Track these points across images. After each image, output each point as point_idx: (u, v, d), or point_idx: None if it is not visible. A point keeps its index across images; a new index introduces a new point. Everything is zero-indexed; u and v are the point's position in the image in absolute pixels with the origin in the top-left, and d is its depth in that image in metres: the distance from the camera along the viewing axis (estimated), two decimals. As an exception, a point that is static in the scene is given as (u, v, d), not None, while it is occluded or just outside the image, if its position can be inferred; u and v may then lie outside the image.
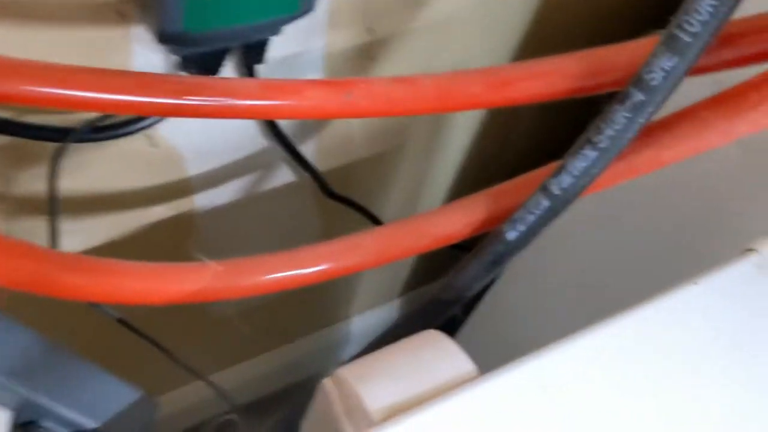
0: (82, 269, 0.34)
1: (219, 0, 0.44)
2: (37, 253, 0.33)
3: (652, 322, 0.34)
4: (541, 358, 0.33)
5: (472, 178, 0.90)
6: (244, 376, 1.00)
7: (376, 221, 0.79)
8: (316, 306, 0.99)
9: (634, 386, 0.33)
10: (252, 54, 0.53)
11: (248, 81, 0.37)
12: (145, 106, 0.35)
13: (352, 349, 1.12)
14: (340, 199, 0.74)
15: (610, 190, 0.36)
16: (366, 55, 0.63)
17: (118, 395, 0.37)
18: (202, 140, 0.62)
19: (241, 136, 0.65)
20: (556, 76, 0.35)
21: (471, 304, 0.82)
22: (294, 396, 1.06)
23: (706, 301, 0.35)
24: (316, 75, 0.61)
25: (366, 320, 1.08)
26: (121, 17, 0.47)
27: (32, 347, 0.36)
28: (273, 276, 0.38)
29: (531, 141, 0.90)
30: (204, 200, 0.68)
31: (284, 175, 0.71)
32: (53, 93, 0.32)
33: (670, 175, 0.36)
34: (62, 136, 0.49)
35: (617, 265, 0.64)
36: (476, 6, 0.67)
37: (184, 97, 0.35)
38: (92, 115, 0.51)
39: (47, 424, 0.35)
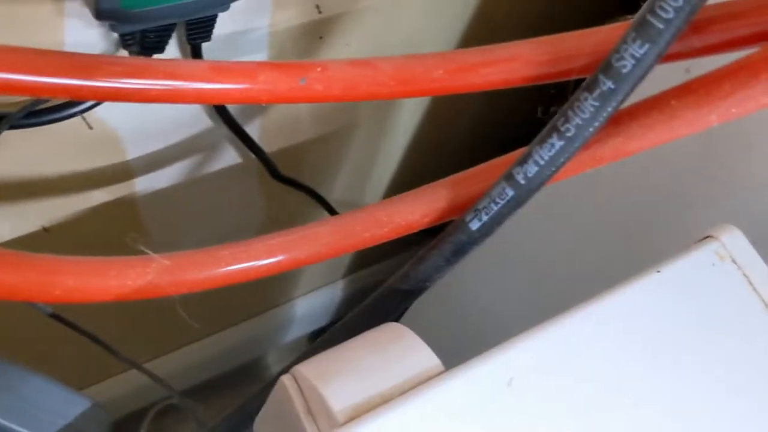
0: (8, 265, 0.31)
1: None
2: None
3: (617, 311, 0.34)
4: (508, 351, 0.32)
5: (422, 160, 0.88)
6: (188, 360, 0.97)
7: (324, 203, 0.78)
8: (260, 289, 0.97)
9: (601, 376, 0.33)
10: (199, 31, 0.50)
11: (196, 63, 0.35)
12: (82, 90, 0.32)
13: (297, 330, 1.10)
14: (288, 181, 0.72)
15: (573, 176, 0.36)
16: (314, 34, 0.61)
17: (64, 406, 0.34)
18: (142, 121, 0.59)
19: (183, 116, 0.62)
20: (520, 62, 0.33)
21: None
22: (246, 385, 1.05)
23: (670, 289, 0.35)
24: (260, 54, 0.59)
25: (310, 301, 1.07)
26: (54, -9, 0.44)
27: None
28: (224, 269, 0.36)
29: (480, 124, 0.89)
30: (145, 184, 0.65)
31: (229, 156, 0.69)
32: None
33: (631, 160, 0.35)
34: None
35: (577, 253, 0.64)
36: (427, -17, 0.65)
37: (126, 81, 0.32)
38: (22, 97, 0.47)
39: (-13, 438, 0.33)
